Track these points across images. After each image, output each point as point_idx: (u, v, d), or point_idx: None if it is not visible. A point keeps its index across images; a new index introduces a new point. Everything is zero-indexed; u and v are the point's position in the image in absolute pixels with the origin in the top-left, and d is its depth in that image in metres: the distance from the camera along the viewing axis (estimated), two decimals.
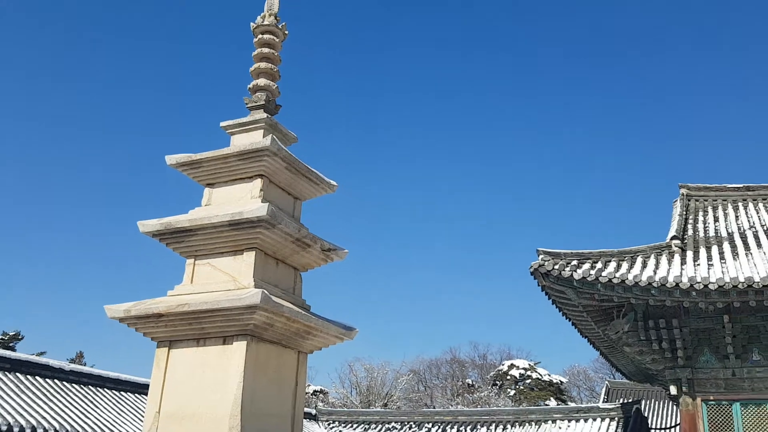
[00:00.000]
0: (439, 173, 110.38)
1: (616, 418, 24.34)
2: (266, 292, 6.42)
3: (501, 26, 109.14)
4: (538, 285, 18.89)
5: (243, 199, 7.39)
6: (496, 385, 60.16)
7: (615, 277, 17.61)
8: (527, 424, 25.72)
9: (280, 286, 7.34)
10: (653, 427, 32.18)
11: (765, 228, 21.50)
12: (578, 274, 17.78)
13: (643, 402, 34.18)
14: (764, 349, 18.55)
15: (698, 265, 18.29)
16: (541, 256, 18.55)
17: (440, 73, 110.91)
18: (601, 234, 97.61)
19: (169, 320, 6.79)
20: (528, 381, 59.52)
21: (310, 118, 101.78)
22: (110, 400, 21.17)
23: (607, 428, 24.04)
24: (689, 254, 19.26)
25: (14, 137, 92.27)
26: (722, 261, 18.47)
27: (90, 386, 21.18)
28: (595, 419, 24.81)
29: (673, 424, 33.56)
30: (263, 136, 7.64)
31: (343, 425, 29.85)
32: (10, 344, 48.97)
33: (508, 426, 25.95)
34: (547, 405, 45.79)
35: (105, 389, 21.59)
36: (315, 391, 58.02)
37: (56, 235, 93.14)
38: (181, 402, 6.66)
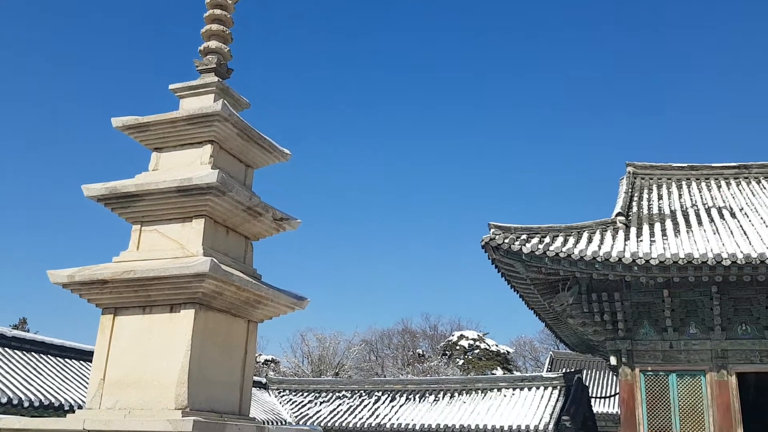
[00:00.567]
0: (395, 145, 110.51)
1: (559, 387, 25.23)
2: (215, 260, 6.35)
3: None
4: (489, 258, 19.25)
5: (192, 165, 7.24)
6: (446, 355, 61.41)
7: (561, 251, 18.10)
8: (474, 392, 26.42)
9: (230, 255, 7.27)
10: (594, 395, 33.43)
11: (707, 206, 22.33)
12: (527, 248, 18.20)
13: (584, 372, 35.48)
14: (700, 323, 19.43)
15: (641, 241, 18.91)
16: (492, 230, 18.89)
17: (404, 47, 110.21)
18: (552, 208, 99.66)
19: (114, 287, 6.67)
20: (476, 351, 60.95)
21: (268, 87, 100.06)
22: (54, 367, 20.80)
23: (550, 396, 24.92)
24: (633, 230, 19.89)
25: None
26: (664, 237, 19.14)
27: (33, 353, 20.80)
28: (538, 388, 25.67)
29: (612, 393, 35.02)
30: (214, 101, 7.47)
31: (293, 394, 30.02)
32: None
33: (456, 394, 26.59)
34: (493, 374, 46.98)
35: (48, 356, 21.20)
36: (266, 360, 58.04)
37: None
38: (126, 369, 6.59)
